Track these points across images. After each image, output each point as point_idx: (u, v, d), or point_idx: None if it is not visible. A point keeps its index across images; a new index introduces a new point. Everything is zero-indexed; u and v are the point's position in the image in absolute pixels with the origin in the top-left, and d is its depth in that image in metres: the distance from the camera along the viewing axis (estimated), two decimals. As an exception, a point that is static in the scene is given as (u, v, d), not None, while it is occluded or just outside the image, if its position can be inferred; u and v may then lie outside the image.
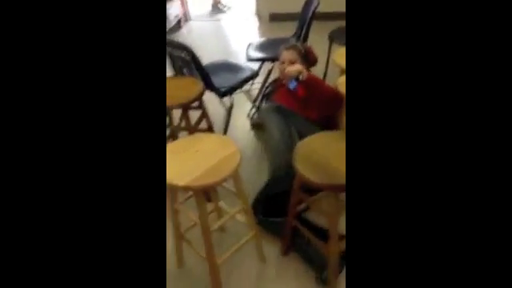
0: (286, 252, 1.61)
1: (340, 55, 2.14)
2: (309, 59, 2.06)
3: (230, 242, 1.56)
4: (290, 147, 1.54)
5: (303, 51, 2.03)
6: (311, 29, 2.58)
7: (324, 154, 1.34)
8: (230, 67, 2.47)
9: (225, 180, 1.27)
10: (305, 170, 1.28)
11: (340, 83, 1.75)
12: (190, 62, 2.02)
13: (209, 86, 2.11)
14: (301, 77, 1.69)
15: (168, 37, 4.14)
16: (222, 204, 1.58)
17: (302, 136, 1.53)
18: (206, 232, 1.31)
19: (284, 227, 1.55)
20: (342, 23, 2.91)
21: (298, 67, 1.72)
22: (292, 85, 1.71)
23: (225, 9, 5.08)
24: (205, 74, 2.06)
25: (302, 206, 1.53)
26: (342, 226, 1.52)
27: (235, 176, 1.34)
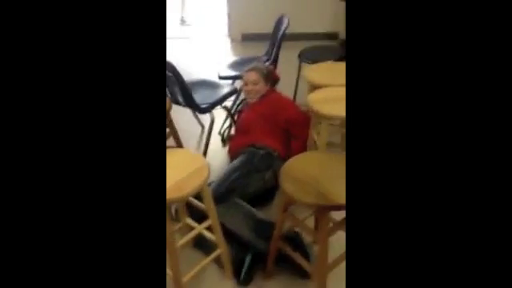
0: (270, 275, 1.55)
1: (310, 70, 2.17)
2: (271, 79, 2.12)
3: (202, 257, 1.54)
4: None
5: (265, 72, 2.08)
6: (282, 48, 2.65)
7: (312, 173, 1.33)
8: (208, 85, 2.50)
9: (190, 195, 1.25)
10: (294, 190, 1.26)
11: (309, 100, 1.75)
12: (170, 78, 2.02)
13: (189, 102, 2.12)
14: None
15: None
16: (189, 220, 1.56)
17: None
18: (169, 251, 1.29)
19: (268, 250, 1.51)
20: (309, 43, 3.03)
21: None
22: None
23: (187, 23, 5.12)
24: (186, 90, 2.06)
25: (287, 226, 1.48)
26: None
27: (203, 191, 1.32)
